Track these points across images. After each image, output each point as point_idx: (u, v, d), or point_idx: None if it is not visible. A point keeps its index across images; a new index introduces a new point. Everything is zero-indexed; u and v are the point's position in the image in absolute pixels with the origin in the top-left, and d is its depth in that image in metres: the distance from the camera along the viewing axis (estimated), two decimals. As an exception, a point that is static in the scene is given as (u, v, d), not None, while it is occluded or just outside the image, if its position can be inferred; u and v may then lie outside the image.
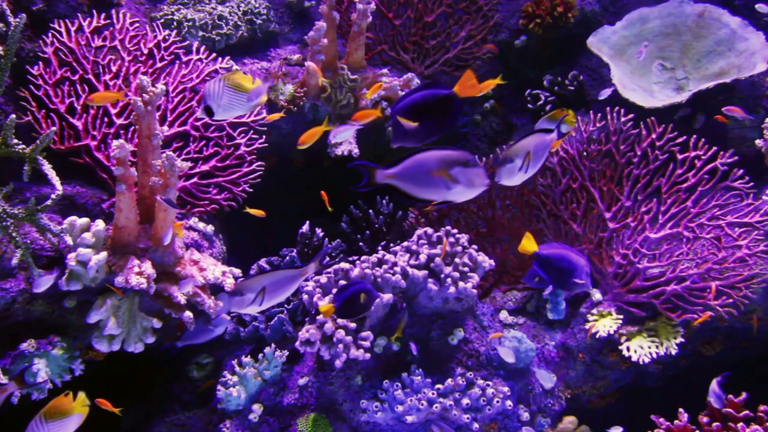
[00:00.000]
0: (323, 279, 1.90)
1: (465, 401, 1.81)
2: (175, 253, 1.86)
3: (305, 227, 2.27)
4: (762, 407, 1.76)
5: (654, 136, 2.09)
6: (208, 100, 1.44)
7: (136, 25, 2.28)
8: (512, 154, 1.39)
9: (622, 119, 2.12)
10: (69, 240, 1.72)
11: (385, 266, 1.89)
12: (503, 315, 2.08)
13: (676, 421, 1.80)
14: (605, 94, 2.32)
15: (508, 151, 1.39)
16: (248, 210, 2.07)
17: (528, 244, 1.60)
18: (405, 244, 1.99)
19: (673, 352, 1.91)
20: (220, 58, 2.32)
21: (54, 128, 1.78)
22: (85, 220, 1.76)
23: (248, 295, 1.41)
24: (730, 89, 2.38)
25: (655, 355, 1.91)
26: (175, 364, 2.19)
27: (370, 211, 2.37)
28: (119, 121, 2.06)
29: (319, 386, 1.94)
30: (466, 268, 1.91)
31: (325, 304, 1.75)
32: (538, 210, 2.21)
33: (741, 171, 2.01)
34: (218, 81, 1.43)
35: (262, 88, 1.48)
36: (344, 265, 1.90)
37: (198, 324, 1.89)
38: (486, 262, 1.95)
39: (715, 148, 2.03)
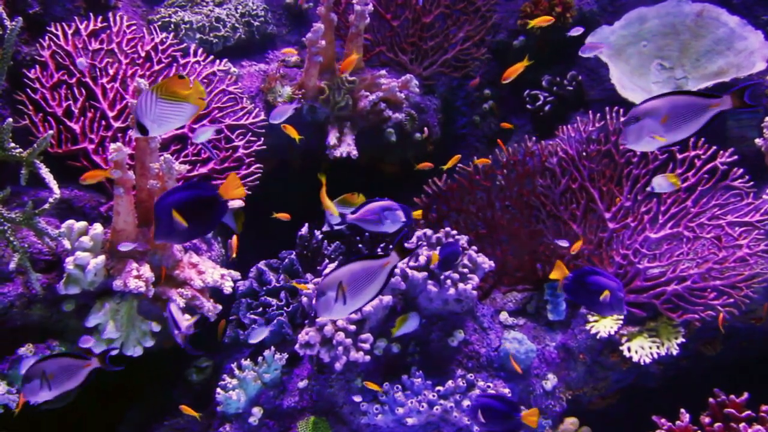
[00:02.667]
0: (322, 281, 1.89)
1: (466, 403, 1.80)
2: (173, 256, 1.85)
3: (304, 229, 2.27)
4: (764, 407, 1.75)
5: (653, 135, 2.08)
6: (140, 117, 1.25)
7: (133, 27, 2.27)
8: (324, 286, 1.27)
9: (621, 119, 2.11)
10: (67, 244, 1.72)
11: (384, 268, 1.88)
12: (503, 316, 2.07)
13: (677, 422, 1.79)
14: (577, 31, 2.24)
15: (321, 283, 1.29)
16: (276, 215, 2.06)
17: (559, 273, 1.60)
18: (404, 245, 1.98)
19: (674, 352, 1.91)
20: (217, 61, 2.32)
21: (51, 132, 1.77)
22: (83, 223, 1.76)
23: (36, 381, 1.39)
24: (729, 88, 2.38)
25: (656, 356, 1.90)
26: (174, 368, 2.18)
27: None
28: (117, 124, 2.05)
29: (319, 389, 1.93)
30: (465, 270, 1.90)
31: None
32: (538, 211, 2.20)
33: (741, 170, 2.00)
34: (149, 93, 1.24)
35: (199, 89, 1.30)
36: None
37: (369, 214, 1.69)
38: (486, 263, 1.94)
39: (714, 147, 2.03)
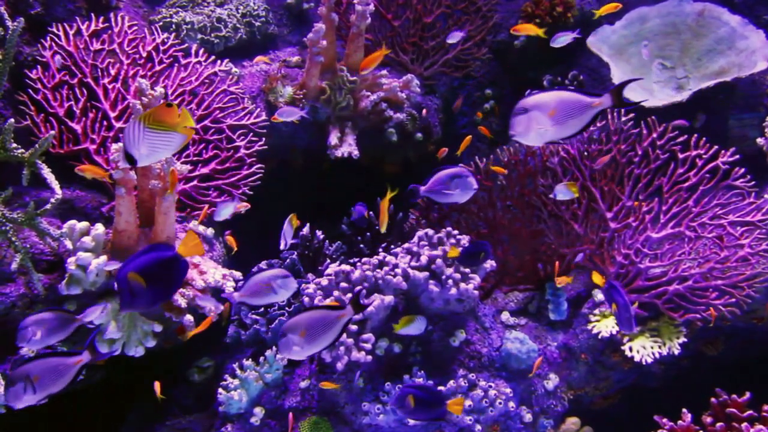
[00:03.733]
0: (324, 281, 1.89)
1: (467, 403, 1.80)
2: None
3: (305, 229, 2.27)
4: (766, 407, 1.75)
5: (655, 135, 2.08)
6: (128, 147, 1.22)
7: (135, 28, 2.27)
8: (286, 328, 1.37)
9: (623, 119, 2.11)
10: (69, 244, 1.72)
11: (386, 268, 1.88)
12: (505, 316, 2.07)
13: (679, 422, 1.79)
14: (560, 44, 2.19)
15: (285, 325, 1.38)
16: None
17: (598, 279, 1.75)
18: (406, 245, 1.98)
19: (676, 352, 1.91)
20: (219, 61, 2.32)
21: (53, 132, 1.77)
22: (84, 224, 1.76)
23: (31, 328, 1.37)
24: (731, 88, 2.38)
25: (657, 356, 1.90)
26: (175, 368, 2.18)
27: (371, 212, 2.37)
28: (118, 125, 2.05)
29: (321, 389, 1.93)
30: (467, 270, 1.90)
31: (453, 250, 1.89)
32: (539, 210, 2.20)
33: (742, 170, 2.00)
34: (137, 123, 1.21)
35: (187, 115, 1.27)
36: (345, 267, 1.90)
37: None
38: (487, 263, 1.94)
39: (716, 147, 2.03)
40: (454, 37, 2.36)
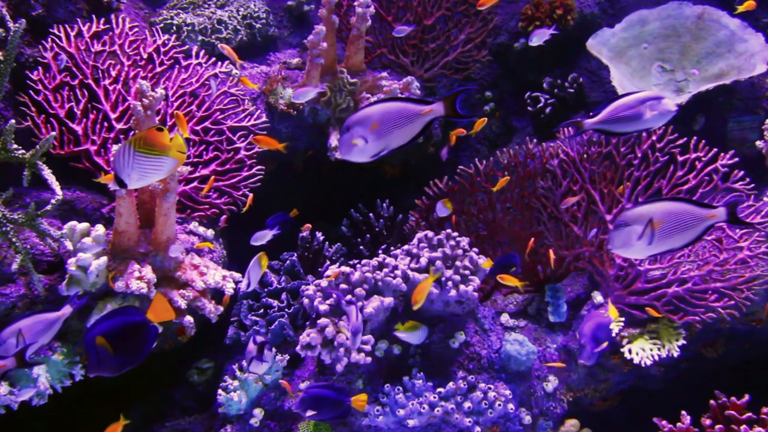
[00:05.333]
0: (324, 283, 1.89)
1: (467, 405, 1.80)
2: (175, 258, 1.86)
3: (305, 231, 2.27)
4: (765, 409, 1.75)
5: (654, 138, 2.09)
6: (118, 171, 1.20)
7: (136, 29, 2.28)
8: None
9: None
10: (69, 245, 1.72)
11: (385, 269, 1.88)
12: (504, 318, 2.07)
13: (678, 424, 1.79)
14: (538, 41, 2.16)
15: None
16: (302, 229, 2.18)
17: (613, 312, 1.81)
18: (405, 247, 1.99)
19: (675, 354, 1.91)
20: (219, 63, 2.32)
21: (54, 133, 1.78)
22: (85, 224, 1.76)
23: (11, 340, 1.34)
24: (730, 90, 2.38)
25: (656, 358, 1.91)
26: (175, 369, 2.18)
27: (371, 214, 2.37)
28: (119, 126, 2.06)
29: (320, 390, 1.93)
30: (467, 272, 1.91)
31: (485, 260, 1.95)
32: (539, 212, 2.20)
33: (742, 172, 2.00)
34: (127, 147, 1.18)
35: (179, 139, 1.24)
36: (345, 268, 1.90)
37: None
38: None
39: (715, 149, 2.03)
40: (401, 32, 2.37)
